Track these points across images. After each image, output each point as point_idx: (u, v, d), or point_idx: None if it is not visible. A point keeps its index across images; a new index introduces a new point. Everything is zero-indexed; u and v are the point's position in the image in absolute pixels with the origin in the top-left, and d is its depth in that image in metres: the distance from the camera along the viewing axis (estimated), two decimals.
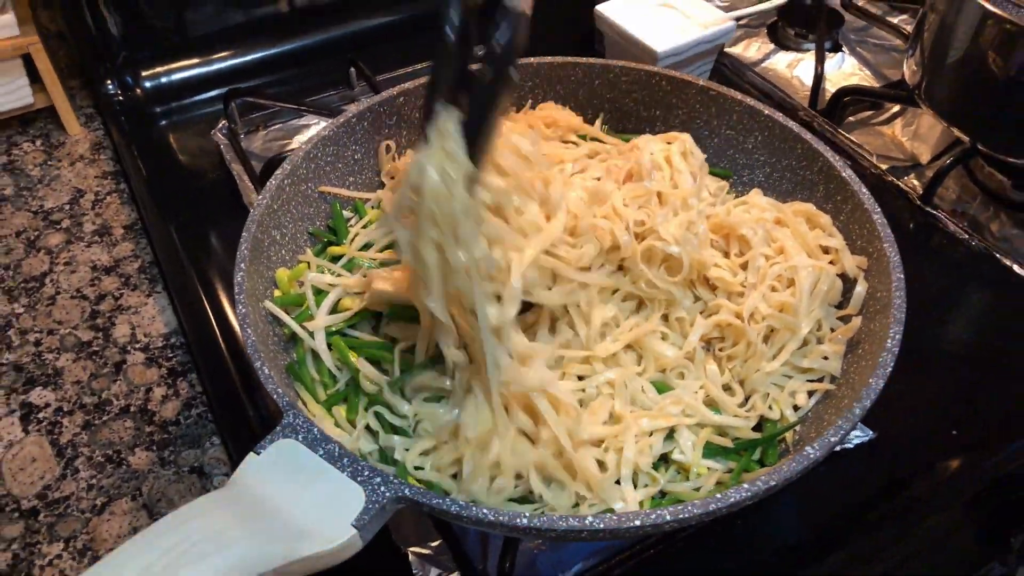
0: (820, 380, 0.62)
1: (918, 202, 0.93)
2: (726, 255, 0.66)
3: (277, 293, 0.64)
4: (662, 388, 0.60)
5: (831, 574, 0.63)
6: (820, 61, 1.05)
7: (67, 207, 0.94)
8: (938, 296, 0.84)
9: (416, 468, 0.57)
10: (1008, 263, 0.86)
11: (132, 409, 0.75)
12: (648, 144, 0.68)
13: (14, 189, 0.96)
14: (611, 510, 0.54)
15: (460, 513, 0.49)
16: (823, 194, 0.74)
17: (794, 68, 1.14)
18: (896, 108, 1.06)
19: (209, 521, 0.44)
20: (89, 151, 1.01)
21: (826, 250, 0.65)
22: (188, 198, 0.93)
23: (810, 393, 0.60)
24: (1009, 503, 0.73)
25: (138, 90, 1.03)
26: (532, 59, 0.83)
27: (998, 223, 0.93)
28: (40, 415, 0.74)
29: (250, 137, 1.02)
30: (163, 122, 1.02)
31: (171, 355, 0.79)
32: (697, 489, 0.55)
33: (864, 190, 0.69)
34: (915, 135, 1.03)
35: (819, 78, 1.04)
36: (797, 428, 0.59)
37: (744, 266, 0.64)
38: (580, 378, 0.58)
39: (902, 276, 0.62)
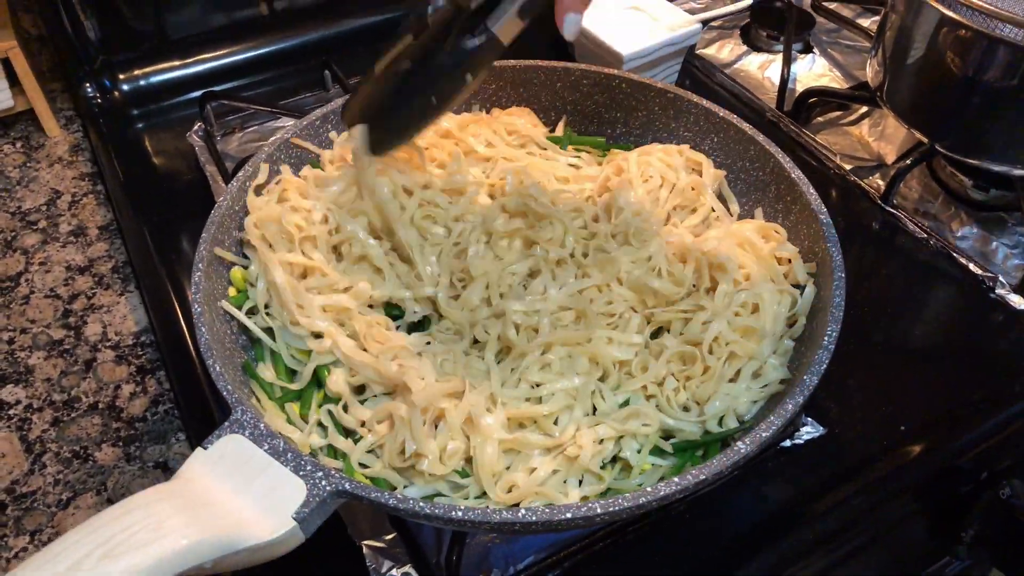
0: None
1: (879, 202, 0.94)
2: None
3: (232, 292, 0.66)
4: (615, 386, 0.61)
5: (780, 567, 0.65)
6: (787, 62, 1.07)
7: (44, 208, 0.96)
8: (896, 294, 0.85)
9: (362, 465, 0.59)
10: (964, 262, 0.87)
11: (100, 406, 0.76)
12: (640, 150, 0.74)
13: None
14: (551, 505, 0.56)
15: (397, 506, 0.50)
16: (775, 194, 0.75)
17: (765, 69, 1.16)
18: (864, 109, 1.07)
19: (151, 512, 0.46)
20: (68, 153, 1.03)
21: (780, 261, 0.67)
22: (162, 199, 0.94)
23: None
24: (958, 497, 0.74)
25: (116, 92, 1.05)
26: (494, 63, 0.84)
27: (958, 221, 0.94)
28: (10, 412, 0.76)
29: (226, 139, 1.03)
30: (140, 124, 1.04)
31: (141, 353, 0.81)
32: (640, 485, 0.56)
33: (811, 191, 0.70)
34: (881, 135, 1.05)
35: (785, 80, 1.05)
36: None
37: (707, 291, 0.66)
38: (536, 386, 0.59)
39: (843, 275, 0.63)
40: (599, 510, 0.50)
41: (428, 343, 0.62)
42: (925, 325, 0.81)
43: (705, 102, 0.79)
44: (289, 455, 0.52)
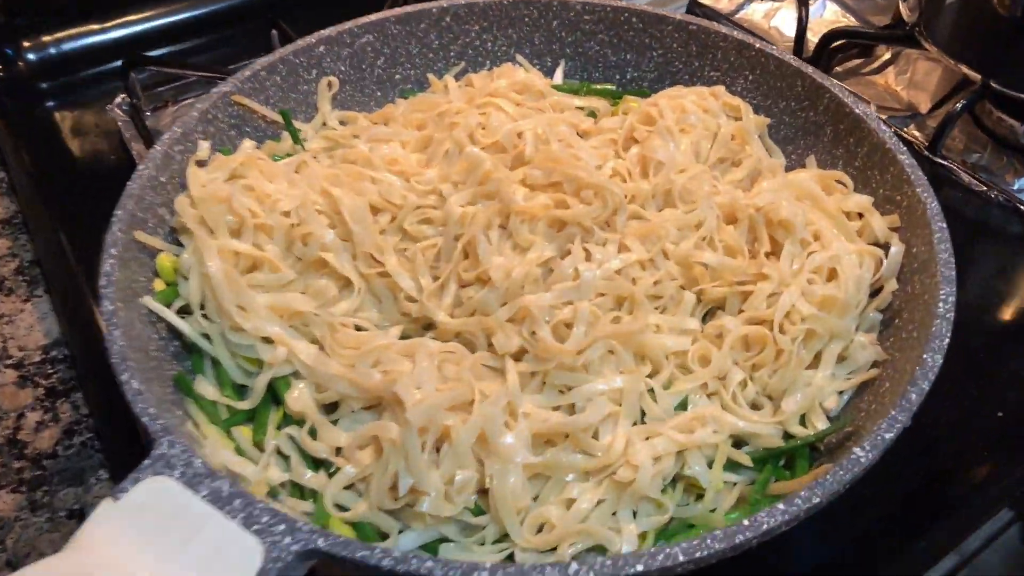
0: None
1: (926, 152, 0.81)
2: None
3: (159, 285, 0.49)
4: (667, 384, 0.46)
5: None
6: (803, 3, 0.93)
7: None
8: (961, 257, 0.71)
9: (339, 507, 0.43)
10: None
11: None
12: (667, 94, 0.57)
13: None
14: (602, 548, 0.40)
15: (393, 568, 0.35)
16: (831, 137, 0.61)
17: (771, 18, 1.03)
18: (887, 56, 0.95)
19: None
20: None
21: (848, 215, 0.52)
22: (79, 188, 0.78)
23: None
24: None
25: (20, 63, 0.88)
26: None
27: (1012, 172, 0.81)
28: None
29: (157, 114, 0.88)
30: (51, 101, 0.87)
31: (51, 371, 0.64)
32: (713, 511, 0.41)
33: (884, 127, 0.56)
34: (911, 83, 0.92)
35: (803, 23, 0.92)
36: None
37: (768, 255, 0.51)
38: (566, 390, 0.44)
39: (944, 225, 0.49)
40: (681, 557, 0.34)
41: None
42: (1001, 291, 0.68)
43: (736, 33, 0.64)
44: (237, 502, 0.36)
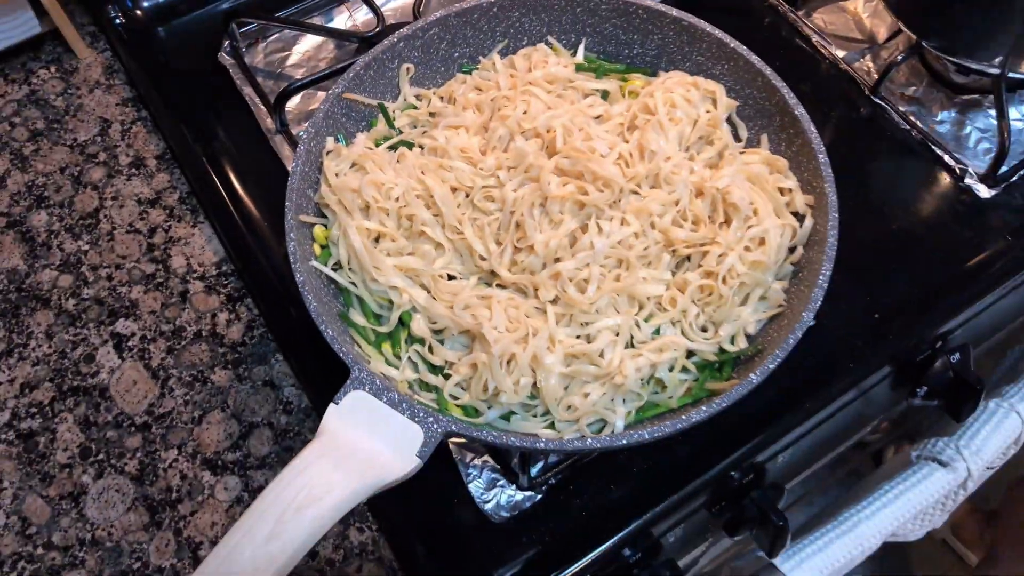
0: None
1: (867, 93, 1.04)
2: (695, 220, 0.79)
3: (317, 249, 0.78)
4: (648, 317, 0.76)
5: (779, 435, 0.83)
6: None
7: (98, 139, 1.04)
8: (880, 186, 0.98)
9: (452, 396, 0.75)
10: (939, 152, 0.99)
11: (204, 334, 0.91)
12: (662, 84, 0.81)
13: (44, 123, 1.05)
14: (602, 420, 0.73)
15: (492, 441, 0.67)
16: (779, 124, 0.86)
17: None
18: None
19: (315, 471, 0.62)
20: (103, 76, 1.09)
21: (782, 192, 0.80)
22: (208, 125, 1.02)
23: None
24: (916, 363, 0.93)
25: (138, 11, 1.08)
26: None
27: (938, 104, 1.05)
28: (129, 343, 0.90)
29: (251, 52, 1.09)
30: (168, 44, 1.08)
31: (226, 282, 0.94)
32: (671, 397, 0.73)
33: (812, 128, 0.81)
34: (875, 12, 1.12)
35: None
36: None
37: (721, 225, 0.78)
38: (585, 324, 0.74)
39: (837, 216, 0.76)
40: (647, 437, 0.67)
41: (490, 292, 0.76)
42: (903, 216, 0.95)
43: (718, 32, 0.87)
44: (404, 405, 0.68)
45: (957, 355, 0.90)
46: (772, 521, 0.84)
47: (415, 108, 0.84)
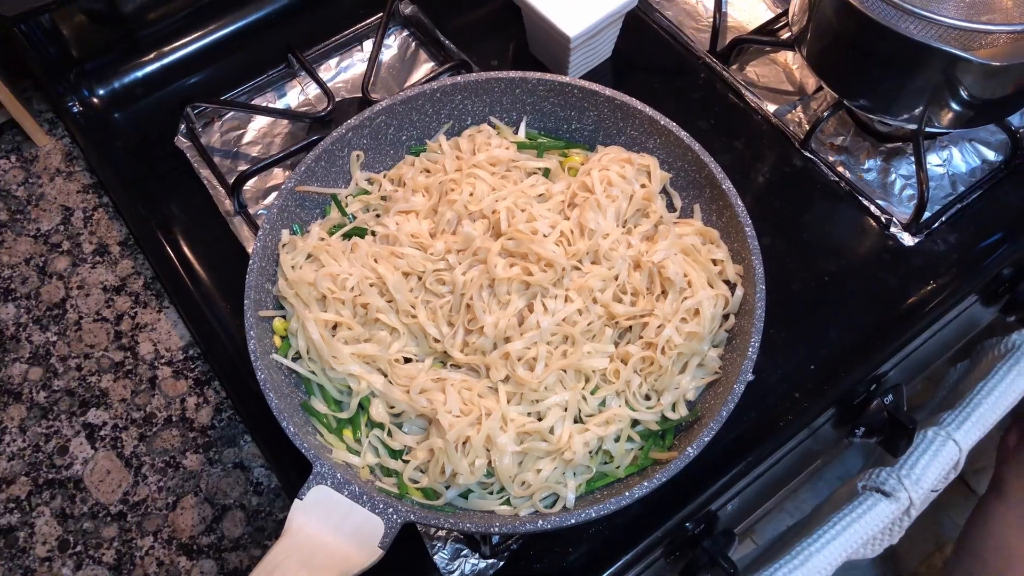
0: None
1: (798, 146, 1.09)
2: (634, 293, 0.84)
3: (277, 340, 0.83)
4: (594, 390, 0.80)
5: (728, 486, 0.89)
6: (719, 8, 1.16)
7: (61, 228, 1.07)
8: (811, 238, 1.04)
9: (412, 480, 0.80)
10: (866, 203, 1.05)
11: (174, 419, 0.94)
12: (599, 161, 0.86)
13: (7, 214, 1.08)
14: (555, 494, 0.78)
15: (452, 526, 0.72)
16: (709, 196, 0.91)
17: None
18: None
19: (283, 571, 0.66)
20: (63, 163, 1.12)
21: (715, 261, 0.85)
22: (168, 209, 1.06)
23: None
24: (853, 406, 0.98)
25: (95, 99, 1.12)
26: (458, 78, 0.95)
27: (865, 153, 1.11)
28: (101, 432, 0.94)
29: (208, 132, 1.13)
30: (126, 129, 1.12)
31: (193, 366, 0.98)
32: (618, 467, 0.78)
33: (739, 203, 0.86)
34: (803, 64, 1.17)
35: (716, 25, 1.16)
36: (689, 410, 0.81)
37: (658, 297, 0.83)
38: (535, 402, 0.79)
39: (763, 287, 0.82)
40: (594, 515, 0.72)
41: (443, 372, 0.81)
42: (835, 265, 1.00)
43: (648, 110, 0.92)
44: (364, 498, 0.72)
45: (890, 396, 0.96)
46: (723, 568, 0.89)
47: (367, 193, 0.89)
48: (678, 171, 0.92)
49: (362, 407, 0.77)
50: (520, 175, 0.88)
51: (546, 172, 0.90)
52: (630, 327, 0.80)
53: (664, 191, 0.87)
